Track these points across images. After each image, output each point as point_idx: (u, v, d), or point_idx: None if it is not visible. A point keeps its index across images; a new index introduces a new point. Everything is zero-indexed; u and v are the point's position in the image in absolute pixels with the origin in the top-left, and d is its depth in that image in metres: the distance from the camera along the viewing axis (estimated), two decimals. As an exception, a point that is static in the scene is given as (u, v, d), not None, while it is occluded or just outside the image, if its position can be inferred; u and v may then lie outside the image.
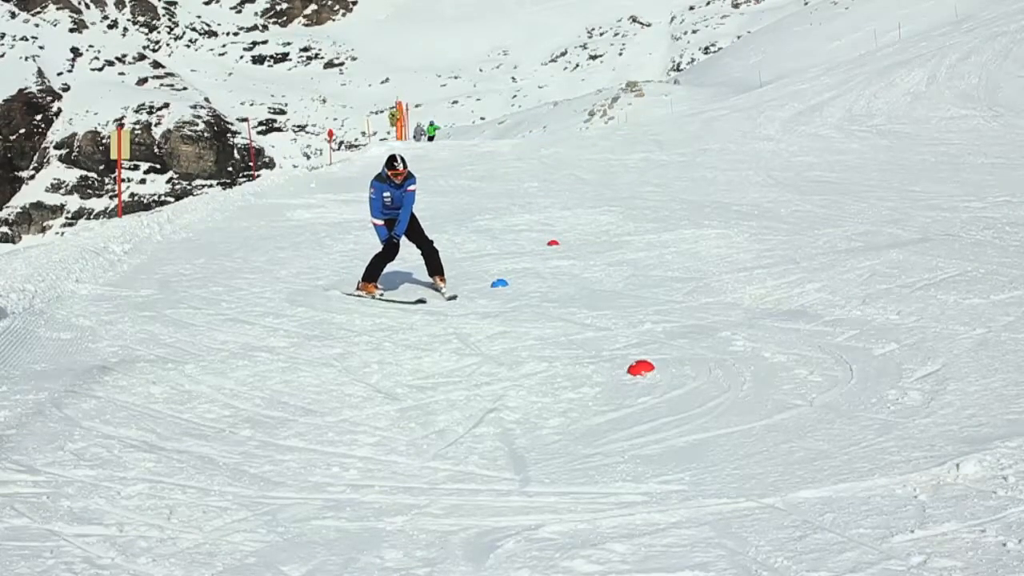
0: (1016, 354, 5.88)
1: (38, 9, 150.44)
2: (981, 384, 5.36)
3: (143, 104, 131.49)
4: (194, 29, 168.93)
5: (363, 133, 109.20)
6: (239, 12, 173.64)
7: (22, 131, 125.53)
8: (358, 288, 9.74)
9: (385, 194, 9.75)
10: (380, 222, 9.85)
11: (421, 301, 9.25)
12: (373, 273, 9.73)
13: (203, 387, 6.37)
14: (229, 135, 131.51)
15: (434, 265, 9.84)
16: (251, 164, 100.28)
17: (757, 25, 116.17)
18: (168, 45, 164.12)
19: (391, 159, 9.70)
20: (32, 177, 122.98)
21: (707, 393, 5.80)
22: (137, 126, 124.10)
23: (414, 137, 48.93)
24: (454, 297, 9.35)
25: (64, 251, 12.26)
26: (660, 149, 25.36)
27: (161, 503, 4.38)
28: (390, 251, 9.85)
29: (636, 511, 4.08)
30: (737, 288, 8.86)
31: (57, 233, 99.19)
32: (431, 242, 10.00)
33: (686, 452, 4.82)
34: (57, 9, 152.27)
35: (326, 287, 10.21)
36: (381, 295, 9.59)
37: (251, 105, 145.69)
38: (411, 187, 9.80)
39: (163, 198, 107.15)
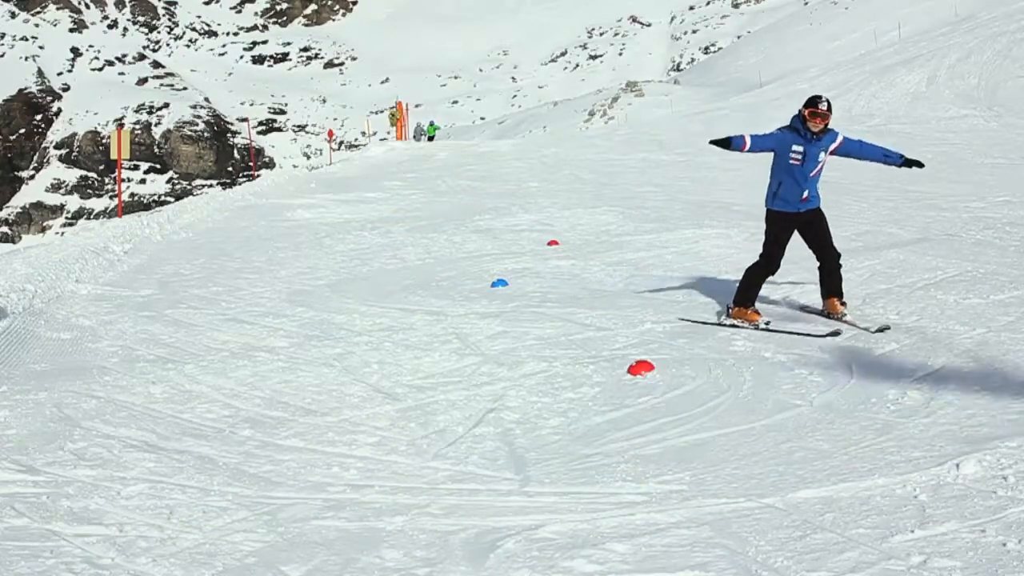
0: (1016, 354, 5.88)
1: (38, 9, 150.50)
2: (981, 384, 5.37)
3: (143, 104, 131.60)
4: (194, 29, 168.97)
5: (363, 133, 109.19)
6: (239, 12, 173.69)
7: (22, 131, 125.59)
8: (730, 315, 7.46)
9: (795, 148, 7.02)
10: (747, 139, 7.12)
11: (835, 333, 6.81)
12: (749, 293, 7.37)
13: (203, 387, 6.37)
14: (229, 135, 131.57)
15: (833, 284, 7.27)
16: (251, 164, 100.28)
17: (757, 25, 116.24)
18: (168, 45, 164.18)
19: (816, 97, 7.03)
20: (32, 177, 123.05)
21: (707, 393, 5.80)
22: (137, 126, 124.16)
23: (414, 137, 48.93)
24: (884, 328, 6.72)
25: (64, 251, 12.26)
26: (660, 149, 25.35)
27: (161, 503, 4.38)
28: (771, 263, 7.38)
29: (636, 511, 4.08)
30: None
31: (57, 233, 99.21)
32: (837, 253, 7.29)
33: (686, 452, 4.81)
34: (57, 9, 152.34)
35: (685, 318, 7.78)
36: (767, 323, 7.20)
37: (251, 105, 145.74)
38: (839, 139, 7.18)
39: (163, 198, 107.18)
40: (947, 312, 7.10)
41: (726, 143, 7.08)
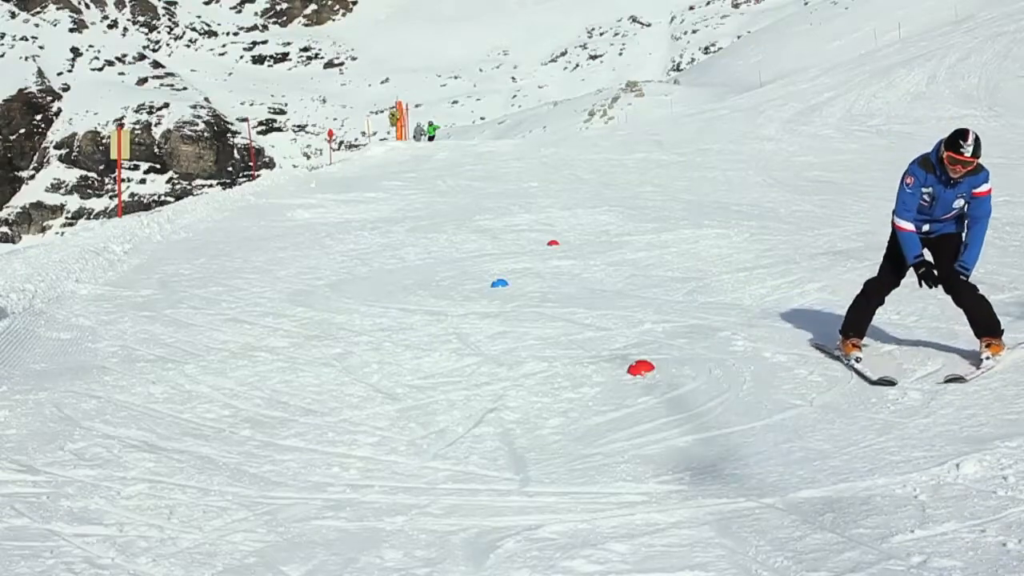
0: (1015, 354, 5.87)
1: (38, 9, 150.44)
2: (981, 384, 5.37)
3: (143, 104, 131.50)
4: (194, 29, 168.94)
5: (363, 133, 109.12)
6: (239, 12, 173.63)
7: (22, 131, 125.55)
8: (838, 345, 6.43)
9: (925, 190, 5.98)
10: (910, 227, 6.05)
11: (885, 383, 5.68)
12: (856, 323, 6.32)
13: (203, 387, 6.37)
14: (229, 135, 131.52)
15: (984, 320, 5.87)
16: (251, 164, 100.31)
17: (757, 25, 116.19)
18: (168, 45, 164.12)
19: (960, 135, 5.73)
20: (32, 177, 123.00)
21: (707, 393, 5.80)
22: (137, 126, 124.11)
23: (414, 137, 48.92)
24: (956, 379, 5.56)
25: (64, 251, 12.27)
26: (660, 149, 25.34)
27: (161, 503, 4.38)
28: (879, 280, 6.40)
29: (636, 511, 4.08)
30: (737, 288, 8.86)
31: (57, 233, 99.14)
32: (970, 286, 5.99)
33: (686, 452, 4.82)
34: (57, 9, 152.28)
35: (816, 343, 6.80)
36: (858, 360, 6.09)
37: (251, 105, 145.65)
38: (982, 188, 5.94)
39: (163, 198, 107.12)
40: (947, 312, 7.07)
41: (921, 262, 6.06)
